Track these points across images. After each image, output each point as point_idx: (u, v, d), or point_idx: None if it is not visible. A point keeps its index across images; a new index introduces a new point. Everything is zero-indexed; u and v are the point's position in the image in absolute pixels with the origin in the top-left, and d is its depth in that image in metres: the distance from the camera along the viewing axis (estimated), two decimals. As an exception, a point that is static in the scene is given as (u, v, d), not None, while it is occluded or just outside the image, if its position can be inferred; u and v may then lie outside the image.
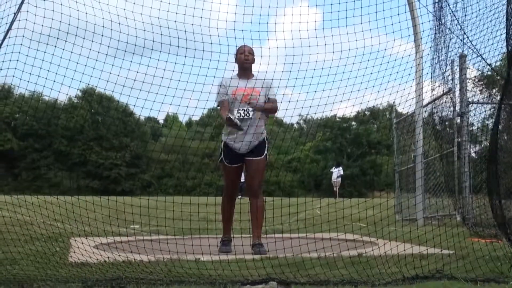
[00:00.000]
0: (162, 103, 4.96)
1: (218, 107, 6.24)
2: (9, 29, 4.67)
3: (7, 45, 4.69)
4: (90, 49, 4.90)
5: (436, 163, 10.40)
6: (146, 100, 4.90)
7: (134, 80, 4.94)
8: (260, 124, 6.11)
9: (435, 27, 7.67)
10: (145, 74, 4.97)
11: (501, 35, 6.47)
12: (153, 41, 5.10)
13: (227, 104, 6.09)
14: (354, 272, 4.33)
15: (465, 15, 7.34)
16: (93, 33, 4.96)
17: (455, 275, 4.15)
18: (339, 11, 5.28)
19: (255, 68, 6.33)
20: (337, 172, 30.61)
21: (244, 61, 6.20)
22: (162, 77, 4.95)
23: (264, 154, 6.16)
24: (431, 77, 8.30)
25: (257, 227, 6.11)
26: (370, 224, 7.76)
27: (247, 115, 6.02)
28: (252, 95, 6.07)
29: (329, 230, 5.68)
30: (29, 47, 4.74)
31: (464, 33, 7.09)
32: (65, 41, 4.91)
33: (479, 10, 6.80)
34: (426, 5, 5.82)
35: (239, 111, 6.01)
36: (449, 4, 7.32)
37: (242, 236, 6.28)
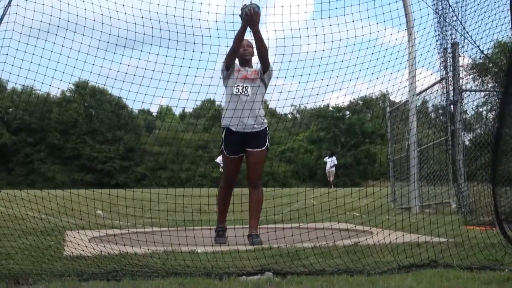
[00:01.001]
0: (154, 95, 4.96)
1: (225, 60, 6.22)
2: (-1, 22, 4.64)
3: (-3, 39, 4.66)
4: (81, 43, 4.88)
5: (430, 151, 10.42)
6: (138, 93, 4.91)
7: (126, 73, 4.94)
8: (258, 107, 6.13)
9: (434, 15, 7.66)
10: (137, 67, 4.96)
11: (492, 21, 6.47)
12: (143, 34, 5.10)
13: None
14: (349, 261, 4.34)
15: (457, 3, 7.35)
16: (84, 26, 4.94)
17: (450, 263, 4.16)
18: (329, 1, 5.27)
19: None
20: (330, 162, 30.64)
21: (244, 54, 6.28)
22: (154, 70, 4.95)
23: (265, 145, 6.21)
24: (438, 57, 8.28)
25: (254, 218, 6.13)
26: (364, 213, 7.78)
27: (245, 92, 6.09)
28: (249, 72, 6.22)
29: (323, 219, 5.69)
30: (19, 41, 4.72)
31: (458, 19, 7.08)
32: (56, 34, 4.90)
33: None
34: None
35: (238, 87, 6.10)
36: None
37: (235, 227, 6.28)
